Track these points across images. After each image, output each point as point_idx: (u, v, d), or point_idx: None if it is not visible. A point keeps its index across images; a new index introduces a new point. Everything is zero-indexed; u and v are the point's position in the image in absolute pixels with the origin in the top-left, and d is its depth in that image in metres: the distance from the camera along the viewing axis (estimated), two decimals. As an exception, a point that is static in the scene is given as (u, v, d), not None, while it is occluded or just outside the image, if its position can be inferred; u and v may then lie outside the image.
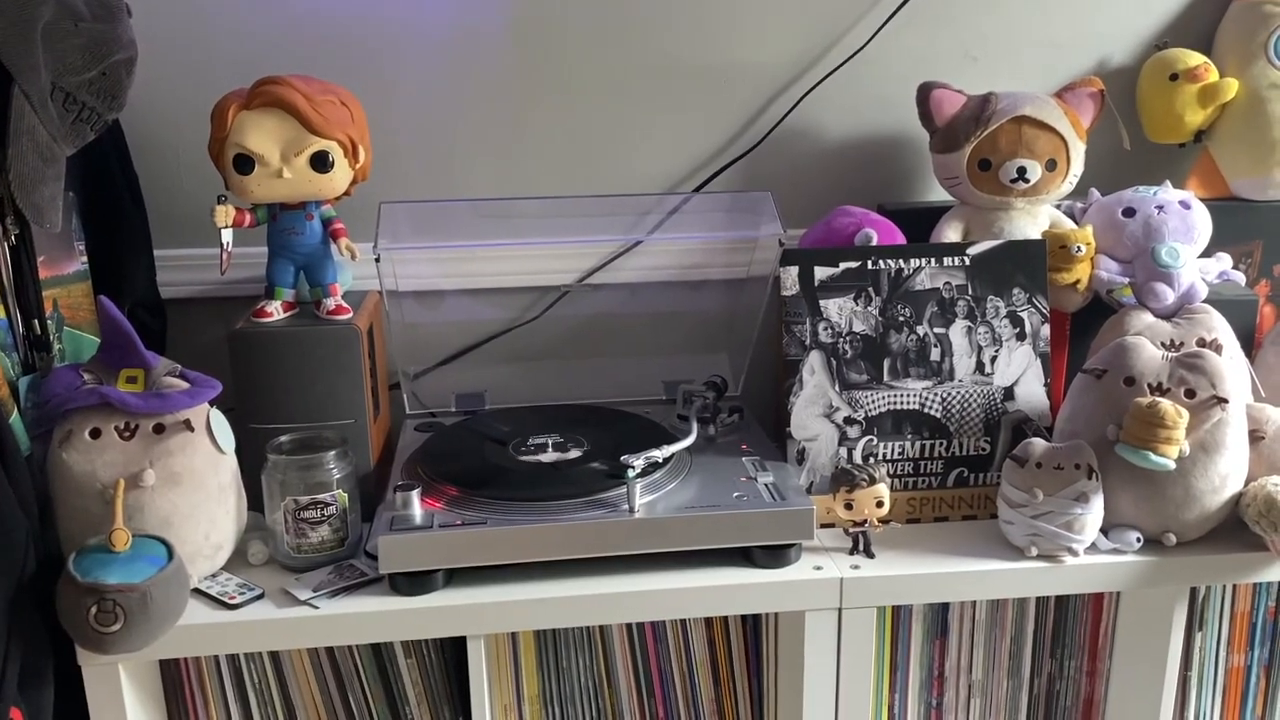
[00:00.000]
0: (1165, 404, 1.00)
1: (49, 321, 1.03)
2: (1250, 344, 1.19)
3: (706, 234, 1.33)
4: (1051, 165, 1.20)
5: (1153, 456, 1.00)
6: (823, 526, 1.09)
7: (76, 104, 0.96)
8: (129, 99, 1.02)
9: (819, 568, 1.03)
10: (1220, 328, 1.13)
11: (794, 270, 1.12)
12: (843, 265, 1.13)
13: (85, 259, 1.11)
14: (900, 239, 1.19)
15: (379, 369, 1.20)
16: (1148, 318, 1.15)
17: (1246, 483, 1.07)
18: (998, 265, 1.14)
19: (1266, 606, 1.14)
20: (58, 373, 0.98)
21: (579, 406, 1.26)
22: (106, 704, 0.96)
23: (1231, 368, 1.07)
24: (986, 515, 1.14)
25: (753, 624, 1.09)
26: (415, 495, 1.01)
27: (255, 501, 1.05)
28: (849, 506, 1.05)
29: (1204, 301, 1.16)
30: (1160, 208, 1.18)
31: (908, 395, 1.13)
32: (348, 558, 1.05)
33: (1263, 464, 1.08)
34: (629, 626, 1.08)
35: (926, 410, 1.13)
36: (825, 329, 1.12)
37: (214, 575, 1.02)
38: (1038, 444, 1.05)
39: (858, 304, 1.13)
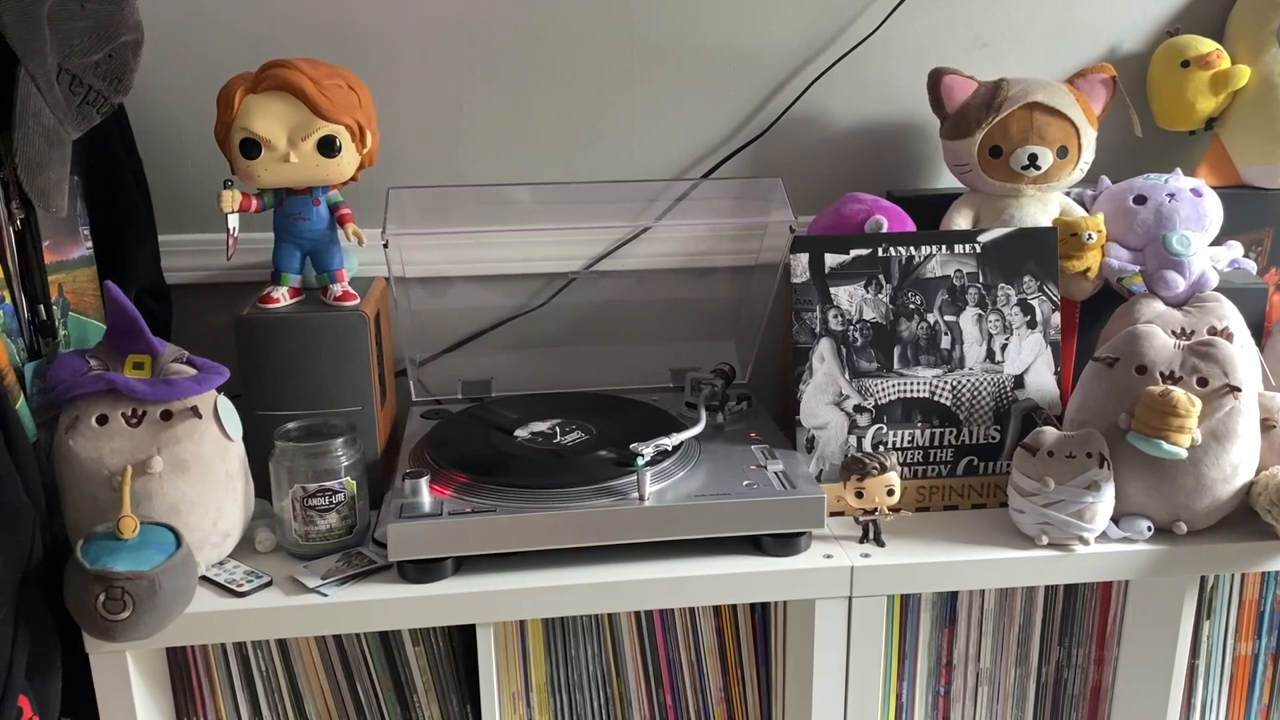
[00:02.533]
0: (1178, 392, 1.00)
1: (54, 307, 1.02)
2: (1260, 332, 1.18)
3: (715, 220, 1.32)
4: (1063, 152, 1.19)
5: (1165, 445, 1.00)
6: (832, 515, 1.08)
7: (83, 87, 0.95)
8: (134, 82, 1.01)
9: (829, 556, 1.03)
10: (1231, 316, 1.13)
11: (804, 257, 1.11)
12: (853, 252, 1.12)
13: (90, 244, 1.10)
14: (910, 226, 1.19)
15: (386, 355, 1.20)
16: (1158, 306, 1.14)
17: (1257, 471, 1.06)
18: (1009, 253, 1.14)
19: (1275, 595, 1.14)
20: (64, 359, 0.97)
21: (586, 394, 1.26)
22: (114, 692, 0.96)
23: (1243, 356, 1.06)
24: (996, 504, 1.14)
25: (761, 612, 1.09)
26: (424, 483, 1.00)
27: (263, 489, 1.04)
28: (859, 495, 1.04)
29: (1214, 290, 1.15)
30: (1171, 195, 1.18)
31: (918, 383, 1.13)
32: (355, 545, 1.04)
33: (1274, 453, 1.08)
34: (637, 615, 1.07)
35: (937, 398, 1.13)
36: (835, 316, 1.12)
37: (221, 563, 1.01)
38: (1049, 432, 1.05)
39: (868, 291, 1.12)
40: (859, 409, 1.12)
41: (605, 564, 1.01)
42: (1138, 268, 1.17)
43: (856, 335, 1.12)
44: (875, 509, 1.05)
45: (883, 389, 1.12)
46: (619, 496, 1.01)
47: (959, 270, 1.13)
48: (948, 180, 1.30)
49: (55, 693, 0.92)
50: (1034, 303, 1.14)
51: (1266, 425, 1.08)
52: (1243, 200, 1.27)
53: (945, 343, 1.13)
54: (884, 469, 1.04)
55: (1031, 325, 1.14)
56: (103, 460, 0.94)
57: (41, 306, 1.00)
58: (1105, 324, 1.18)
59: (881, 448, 1.12)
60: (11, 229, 0.96)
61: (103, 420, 0.95)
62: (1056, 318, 1.14)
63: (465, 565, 1.00)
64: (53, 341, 1.02)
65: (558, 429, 1.13)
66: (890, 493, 1.04)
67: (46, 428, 0.98)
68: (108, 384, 0.95)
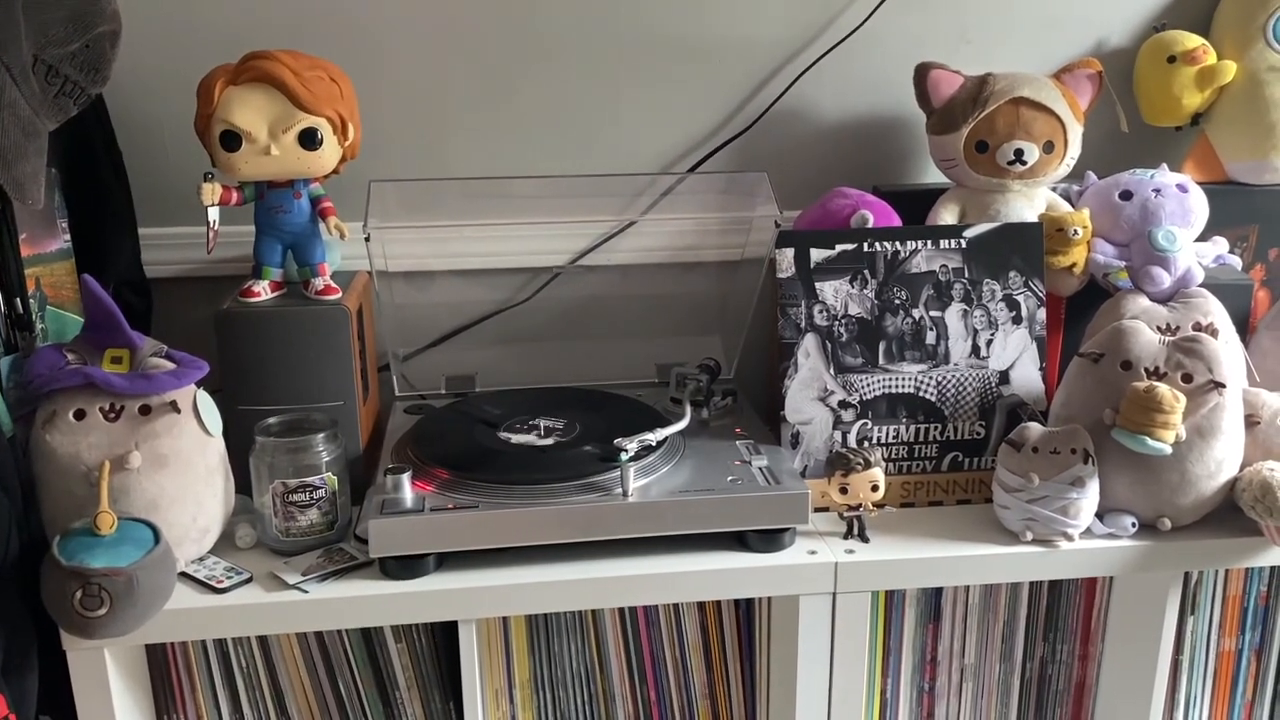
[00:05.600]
0: (1163, 388, 0.99)
1: (31, 300, 1.01)
2: (1245, 328, 1.18)
3: (701, 215, 1.32)
4: (1049, 147, 1.19)
5: (1149, 441, 1.00)
6: (817, 510, 1.08)
7: (59, 77, 0.93)
8: (113, 73, 0.99)
9: (813, 552, 1.02)
10: (1216, 312, 1.13)
11: (789, 252, 1.11)
12: (839, 247, 1.11)
13: (68, 237, 1.09)
14: (896, 221, 1.18)
15: (368, 350, 1.19)
16: (1144, 301, 1.14)
17: (1242, 468, 1.06)
18: (994, 248, 1.13)
19: (1258, 591, 1.15)
20: (41, 352, 0.96)
21: (571, 389, 1.25)
22: (92, 690, 0.95)
23: (1228, 352, 1.06)
24: (981, 500, 1.14)
25: (745, 608, 1.08)
26: (406, 478, 1.00)
27: (243, 484, 1.03)
28: (844, 490, 1.04)
29: (1200, 285, 1.15)
30: (1157, 191, 1.17)
31: (903, 379, 1.12)
32: (337, 541, 1.03)
33: (1258, 449, 1.08)
34: (621, 611, 1.07)
35: (921, 394, 1.13)
36: (820, 311, 1.11)
37: (201, 559, 1.00)
38: (1034, 428, 1.05)
39: (853, 286, 1.12)
40: (844, 404, 1.12)
41: (589, 560, 1.00)
42: (1123, 263, 1.17)
43: (842, 330, 1.12)
44: (860, 505, 1.04)
45: (868, 384, 1.12)
46: (603, 492, 1.01)
47: (944, 265, 1.13)
48: (934, 175, 1.29)
49: (31, 690, 0.91)
50: (1019, 298, 1.14)
51: (1251, 421, 1.08)
52: (1228, 196, 1.27)
53: (930, 338, 1.12)
54: (868, 465, 1.03)
55: (1017, 321, 1.14)
56: (80, 455, 0.93)
57: (18, 300, 0.99)
58: (1090, 319, 1.18)
59: (866, 443, 1.11)
60: (-13, 221, 0.96)
61: (80, 415, 0.94)
62: (1042, 313, 1.14)
63: (448, 561, 0.99)
64: (30, 335, 1.01)
65: (542, 424, 1.12)
66: (875, 488, 1.04)
67: (23, 422, 0.97)
68: (85, 378, 0.94)
